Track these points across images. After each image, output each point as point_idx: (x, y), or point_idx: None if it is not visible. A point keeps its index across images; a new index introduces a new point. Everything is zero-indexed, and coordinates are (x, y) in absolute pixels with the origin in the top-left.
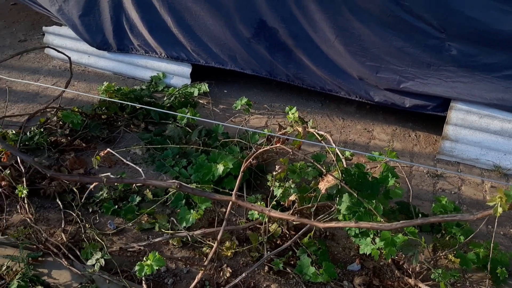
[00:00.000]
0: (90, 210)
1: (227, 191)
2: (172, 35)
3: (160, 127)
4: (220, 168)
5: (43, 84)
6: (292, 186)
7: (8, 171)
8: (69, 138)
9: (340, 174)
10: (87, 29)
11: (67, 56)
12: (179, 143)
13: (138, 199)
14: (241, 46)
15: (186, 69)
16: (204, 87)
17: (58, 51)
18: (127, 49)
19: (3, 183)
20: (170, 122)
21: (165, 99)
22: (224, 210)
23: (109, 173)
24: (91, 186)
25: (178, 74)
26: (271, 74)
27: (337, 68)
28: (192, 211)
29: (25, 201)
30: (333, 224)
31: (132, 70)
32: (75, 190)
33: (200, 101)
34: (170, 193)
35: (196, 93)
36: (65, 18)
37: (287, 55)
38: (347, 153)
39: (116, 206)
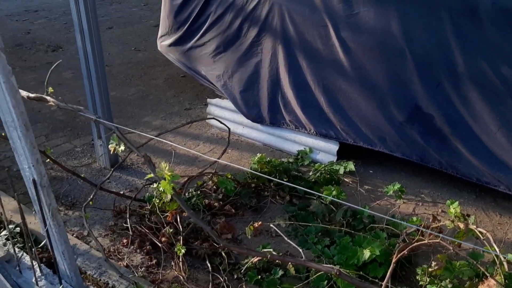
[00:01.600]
0: (235, 276)
1: (370, 278)
2: (323, 113)
3: (305, 201)
4: (366, 253)
5: (199, 153)
6: (449, 286)
7: (171, 229)
8: (221, 202)
9: (503, 280)
10: (245, 103)
11: (227, 127)
12: (322, 220)
13: (280, 272)
14: (392, 128)
15: (333, 147)
16: (351, 166)
17: (221, 122)
18: (278, 123)
19: (163, 239)
20: (315, 197)
21: (310, 174)
22: None
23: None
24: (255, 259)
25: (325, 150)
26: (422, 159)
27: (497, 161)
28: None
29: (180, 259)
30: None
31: (280, 143)
32: (223, 254)
33: (345, 179)
34: (312, 271)
35: (341, 171)
36: (228, 92)
37: (442, 141)
38: (510, 256)
39: (259, 277)
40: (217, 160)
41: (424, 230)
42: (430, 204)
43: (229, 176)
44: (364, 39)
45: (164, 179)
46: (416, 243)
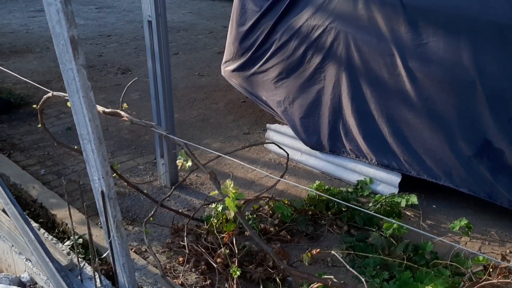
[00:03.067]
0: None
1: None
2: (386, 144)
3: (363, 233)
4: None
5: (263, 171)
6: None
7: (227, 250)
8: (277, 228)
9: None
10: (305, 130)
11: (286, 152)
12: (382, 253)
13: None
14: (459, 163)
15: (395, 178)
16: (413, 199)
17: (280, 147)
18: (338, 151)
19: (218, 260)
20: (374, 229)
21: (370, 205)
22: None
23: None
24: (315, 286)
25: (386, 181)
26: (490, 196)
27: None
28: None
29: (234, 281)
30: None
31: (339, 171)
32: (277, 280)
33: (407, 212)
34: None
35: (403, 204)
36: (288, 118)
37: None
38: None
39: None
40: (280, 179)
41: (492, 269)
42: (497, 243)
43: (286, 202)
44: (432, 70)
45: (229, 196)
46: (484, 282)
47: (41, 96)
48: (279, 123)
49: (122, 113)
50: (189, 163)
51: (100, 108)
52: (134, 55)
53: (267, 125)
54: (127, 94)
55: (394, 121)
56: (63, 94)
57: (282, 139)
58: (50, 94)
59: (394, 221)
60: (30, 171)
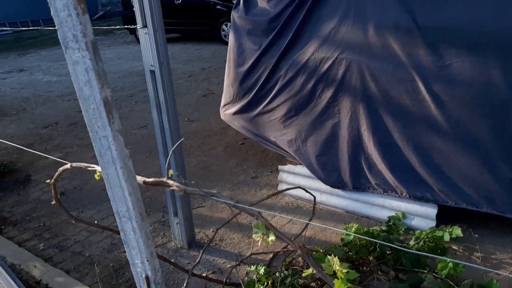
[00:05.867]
0: None
1: None
2: (416, 174)
3: (412, 276)
4: None
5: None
6: None
7: None
8: (318, 282)
9: None
10: (322, 168)
11: (313, 196)
12: None
13: None
14: (501, 187)
15: (431, 210)
16: (457, 231)
17: (307, 191)
18: (363, 187)
19: None
20: (425, 271)
21: (412, 242)
22: None
23: None
24: None
25: (421, 215)
26: None
27: None
28: None
29: None
30: None
31: (366, 209)
32: None
33: (453, 247)
34: None
35: (447, 238)
36: (302, 157)
37: None
38: None
39: None
40: (308, 223)
41: None
42: None
43: (321, 251)
44: (460, 92)
45: (336, 276)
46: None
47: (26, 161)
48: (292, 164)
49: (170, 182)
50: (272, 237)
51: (140, 179)
52: (116, 107)
53: (279, 166)
54: None
55: (423, 150)
56: (85, 164)
57: (297, 180)
58: (68, 166)
59: (448, 259)
60: (27, 247)
